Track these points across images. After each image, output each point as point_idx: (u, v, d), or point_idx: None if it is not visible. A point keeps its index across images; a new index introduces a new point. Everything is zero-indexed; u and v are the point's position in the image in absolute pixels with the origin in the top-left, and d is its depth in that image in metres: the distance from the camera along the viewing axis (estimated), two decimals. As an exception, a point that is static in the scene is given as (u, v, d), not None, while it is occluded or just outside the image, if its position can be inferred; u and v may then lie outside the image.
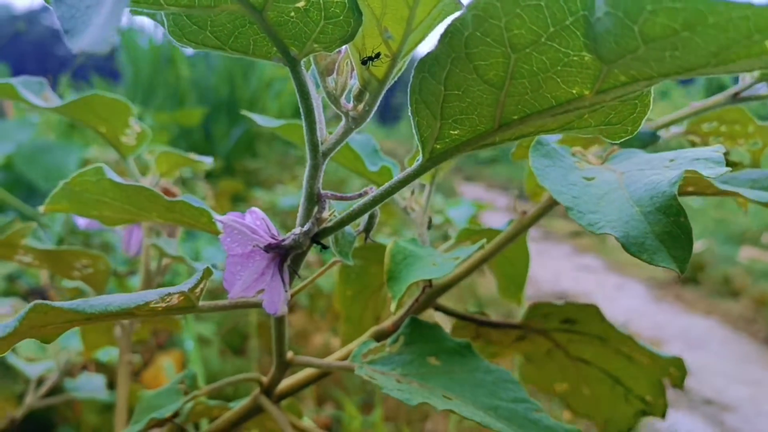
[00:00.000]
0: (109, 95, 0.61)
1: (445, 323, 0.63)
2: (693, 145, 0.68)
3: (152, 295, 0.32)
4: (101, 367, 1.33)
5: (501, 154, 9.88)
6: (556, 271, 3.82)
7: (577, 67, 0.28)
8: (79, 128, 2.32)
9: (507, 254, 0.66)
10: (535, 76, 0.29)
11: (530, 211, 0.59)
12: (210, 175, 2.61)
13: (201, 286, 0.37)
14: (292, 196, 2.21)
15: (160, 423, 0.56)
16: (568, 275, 3.81)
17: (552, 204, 0.58)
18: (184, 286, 0.35)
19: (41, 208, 0.51)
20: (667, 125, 0.64)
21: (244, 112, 0.67)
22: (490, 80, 0.30)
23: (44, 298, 1.02)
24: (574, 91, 0.30)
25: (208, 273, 0.37)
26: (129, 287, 1.37)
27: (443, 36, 0.29)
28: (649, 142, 0.60)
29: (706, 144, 0.67)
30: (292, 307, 2.13)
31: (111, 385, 1.16)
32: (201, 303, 0.39)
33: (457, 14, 0.28)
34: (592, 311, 0.61)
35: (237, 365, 1.59)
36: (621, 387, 0.62)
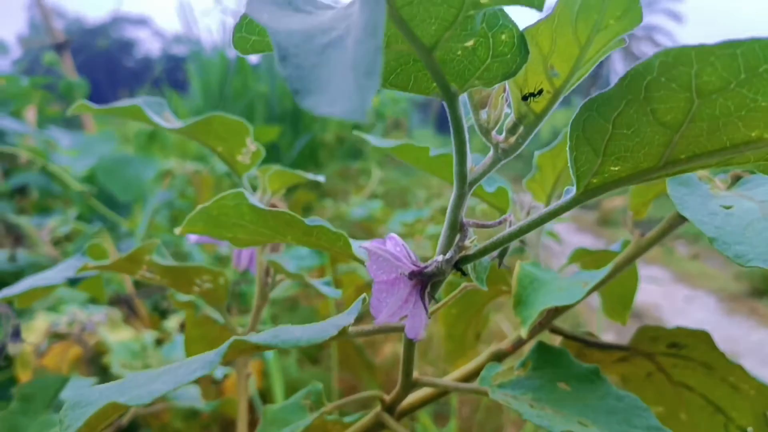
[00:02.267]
0: (230, 117, 0.63)
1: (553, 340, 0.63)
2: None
3: (332, 329, 0.34)
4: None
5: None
6: (623, 282, 3.75)
7: (763, 112, 0.28)
8: (157, 140, 2.40)
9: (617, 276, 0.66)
10: (715, 120, 0.29)
11: (648, 233, 0.59)
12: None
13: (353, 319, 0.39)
14: (362, 206, 2.23)
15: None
16: (635, 287, 3.74)
17: (672, 226, 0.57)
18: (349, 317, 0.36)
19: (177, 230, 0.53)
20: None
21: (357, 133, 0.69)
22: (667, 122, 0.30)
23: (129, 305, 1.05)
24: (753, 134, 0.30)
25: (364, 302, 0.39)
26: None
27: (622, 79, 0.30)
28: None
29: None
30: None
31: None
32: (350, 329, 0.40)
33: (640, 60, 0.29)
34: (703, 337, 0.60)
35: (314, 374, 1.61)
36: (722, 415, 0.60)
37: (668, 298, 3.58)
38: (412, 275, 0.41)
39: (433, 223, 2.02)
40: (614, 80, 0.30)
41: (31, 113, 2.04)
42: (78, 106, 0.64)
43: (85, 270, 0.65)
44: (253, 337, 0.31)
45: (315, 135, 3.69)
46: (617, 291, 0.69)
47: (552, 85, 0.35)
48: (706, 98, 0.28)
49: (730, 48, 0.26)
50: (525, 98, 0.36)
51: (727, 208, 0.42)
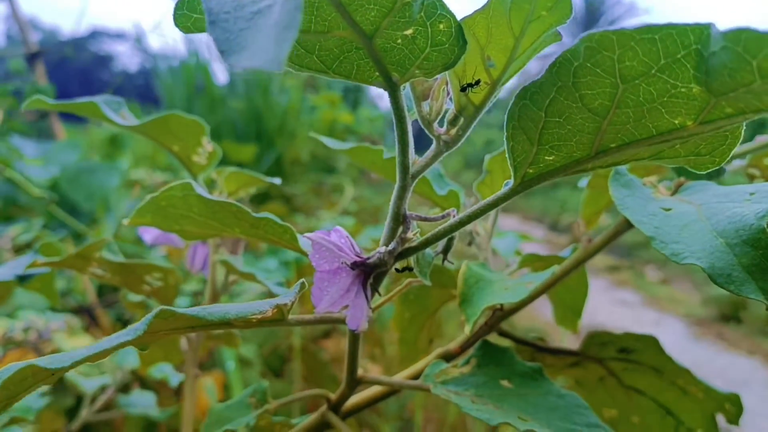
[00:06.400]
0: (186, 115, 0.63)
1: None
2: (752, 178, 0.68)
3: (263, 305, 0.34)
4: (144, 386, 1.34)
5: (536, 186, 9.86)
6: (593, 305, 3.79)
7: (684, 99, 0.29)
8: (118, 145, 2.38)
9: (566, 282, 0.66)
10: (640, 106, 0.30)
11: (595, 239, 0.60)
12: (252, 201, 2.65)
13: (294, 299, 0.39)
14: (333, 221, 2.22)
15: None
16: (604, 309, 3.78)
17: (618, 233, 0.58)
18: (286, 298, 0.36)
19: (125, 221, 0.53)
20: (730, 159, 0.64)
21: (313, 134, 0.69)
22: (595, 109, 0.31)
23: (92, 315, 1.04)
24: (676, 122, 0.30)
25: (303, 287, 0.39)
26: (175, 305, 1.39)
27: (551, 66, 0.31)
28: (715, 175, 0.61)
29: (765, 178, 0.68)
30: (329, 333, 2.14)
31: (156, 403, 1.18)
32: (290, 317, 0.40)
33: (567, 46, 0.30)
34: (651, 342, 0.61)
35: (277, 388, 1.60)
36: (672, 418, 0.62)
37: (637, 321, 3.61)
38: (355, 265, 0.41)
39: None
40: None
41: (-6, 116, 2.01)
42: (33, 101, 0.64)
43: (35, 266, 0.64)
44: (181, 309, 0.31)
45: (282, 152, 3.68)
46: (567, 299, 0.69)
47: (489, 76, 0.36)
48: (630, 83, 0.29)
49: (649, 33, 0.27)
50: (464, 89, 0.36)
51: (667, 210, 0.44)
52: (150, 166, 2.36)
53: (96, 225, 2.02)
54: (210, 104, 3.82)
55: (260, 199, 3.03)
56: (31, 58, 2.87)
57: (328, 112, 3.57)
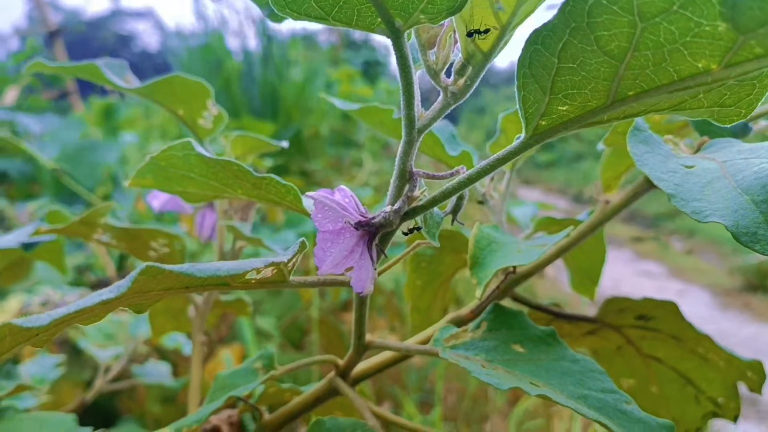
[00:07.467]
0: (190, 77, 0.62)
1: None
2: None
3: (257, 262, 0.32)
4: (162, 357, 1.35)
5: (559, 157, 9.81)
6: (617, 276, 3.76)
7: (708, 38, 0.27)
8: (124, 124, 2.38)
9: (583, 247, 0.64)
10: (660, 47, 0.28)
11: (613, 200, 0.57)
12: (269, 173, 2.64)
13: (294, 260, 0.37)
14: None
15: (233, 404, 0.56)
16: (628, 281, 3.74)
17: (637, 194, 0.56)
18: (283, 256, 0.35)
19: (125, 183, 0.51)
20: (756, 118, 0.61)
21: (323, 95, 0.68)
22: (611, 52, 0.29)
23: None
24: (699, 65, 0.28)
25: (303, 246, 0.37)
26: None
27: (564, 5, 0.28)
28: (740, 134, 0.58)
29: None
30: (346, 305, 2.13)
31: (174, 373, 1.18)
32: (291, 278, 0.39)
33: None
34: (671, 308, 0.59)
35: (296, 359, 1.60)
36: (692, 387, 0.60)
37: (662, 292, 3.58)
38: (359, 225, 0.39)
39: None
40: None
41: (11, 94, 2.00)
42: (33, 65, 0.63)
43: (39, 234, 0.63)
44: (170, 266, 0.29)
45: (301, 127, 3.66)
46: (584, 264, 0.67)
47: (498, 20, 0.34)
48: (650, 22, 0.27)
49: (670, -38, 0.25)
50: (470, 35, 0.34)
51: (689, 167, 0.41)
52: (160, 139, 2.36)
53: (113, 199, 2.02)
54: (227, 80, 3.80)
55: (278, 172, 3.01)
56: (50, 36, 2.87)
57: (346, 85, 3.55)
